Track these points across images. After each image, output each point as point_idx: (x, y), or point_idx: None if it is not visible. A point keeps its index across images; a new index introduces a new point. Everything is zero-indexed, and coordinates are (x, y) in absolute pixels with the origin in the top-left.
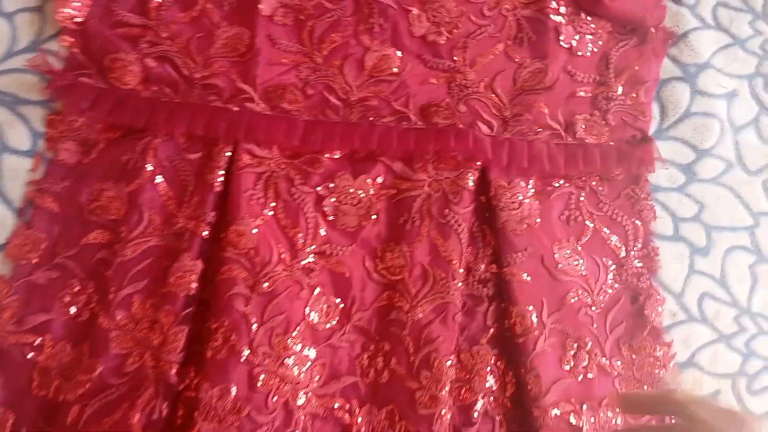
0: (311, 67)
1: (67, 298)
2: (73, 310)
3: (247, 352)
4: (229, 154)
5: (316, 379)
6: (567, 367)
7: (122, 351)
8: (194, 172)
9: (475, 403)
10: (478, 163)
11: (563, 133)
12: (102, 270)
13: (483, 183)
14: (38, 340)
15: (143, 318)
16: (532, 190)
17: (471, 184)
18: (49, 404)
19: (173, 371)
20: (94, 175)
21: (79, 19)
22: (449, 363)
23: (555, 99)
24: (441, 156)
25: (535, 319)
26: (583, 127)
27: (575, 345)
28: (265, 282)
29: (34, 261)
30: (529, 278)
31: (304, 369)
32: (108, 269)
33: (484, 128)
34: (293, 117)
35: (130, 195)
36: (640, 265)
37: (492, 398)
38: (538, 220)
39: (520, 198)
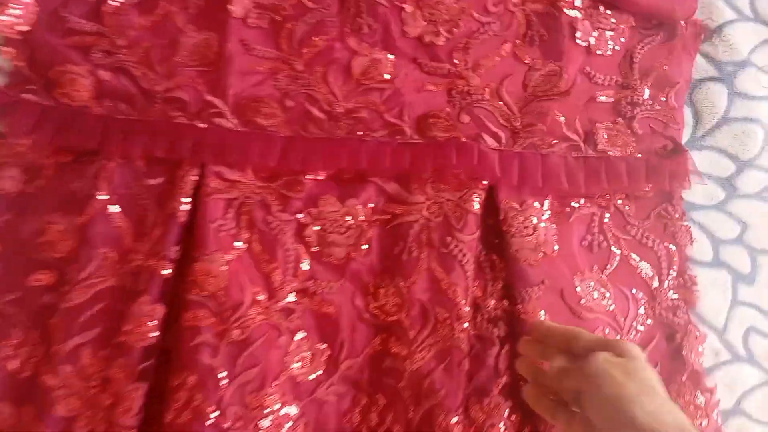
0: (290, 76)
1: (7, 351)
2: (13, 365)
3: (215, 414)
4: (195, 178)
5: None
6: None
7: (69, 414)
8: (155, 200)
9: None
10: (485, 182)
11: (582, 145)
12: (47, 317)
13: (491, 205)
14: None
15: (94, 374)
16: (548, 212)
17: (477, 206)
18: None
19: None
20: (39, 207)
21: (23, 28)
22: (455, 420)
23: (572, 105)
24: (441, 175)
25: None
26: (605, 137)
27: None
28: (236, 329)
29: None
30: (546, 316)
31: (283, 430)
32: (53, 316)
33: (490, 141)
34: (270, 133)
35: (81, 228)
36: (676, 296)
37: None
38: (556, 248)
39: (534, 221)
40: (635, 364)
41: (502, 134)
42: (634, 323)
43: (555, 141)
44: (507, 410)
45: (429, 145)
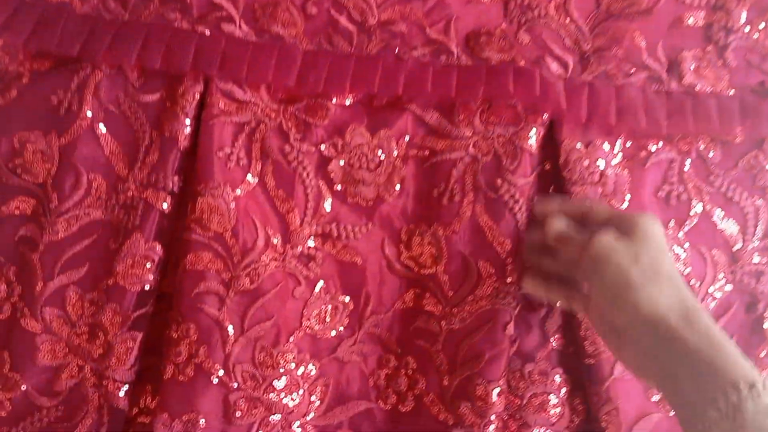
0: None
1: None
2: None
3: (221, 372)
4: (198, 95)
5: (316, 404)
6: (655, 398)
7: (53, 363)
8: (150, 120)
9: None
10: (545, 115)
11: (665, 76)
12: (26, 252)
13: (550, 144)
14: None
15: (81, 319)
16: (620, 156)
17: (534, 144)
18: None
19: (122, 393)
20: (14, 122)
21: None
22: (497, 391)
23: (654, 27)
24: (493, 105)
25: None
26: (693, 67)
27: None
28: (245, 276)
29: None
30: None
31: (299, 392)
32: (34, 251)
33: (555, 67)
34: (288, 46)
35: (63, 150)
36: (761, 260)
37: None
38: (628, 198)
39: (602, 167)
40: (644, 246)
41: (569, 59)
42: (710, 289)
43: (632, 70)
44: (555, 379)
45: (480, 68)
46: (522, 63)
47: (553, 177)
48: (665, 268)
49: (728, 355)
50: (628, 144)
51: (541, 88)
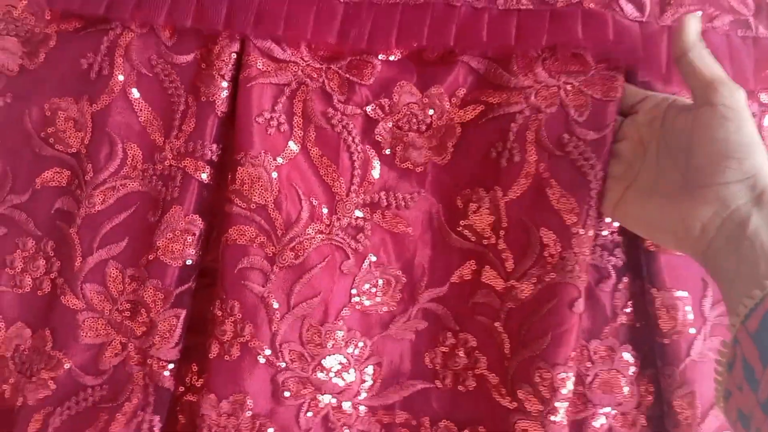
0: None
1: (19, 264)
2: (27, 280)
3: (267, 352)
4: (235, 55)
5: (368, 384)
6: None
7: (96, 340)
8: (185, 83)
9: (592, 419)
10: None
11: (752, 21)
12: (63, 225)
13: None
14: None
15: (122, 295)
16: None
17: (613, 92)
18: (5, 408)
19: (167, 372)
20: (44, 88)
21: None
22: (563, 375)
23: None
24: (558, 53)
25: (690, 311)
26: None
27: None
28: (290, 250)
29: None
30: None
31: (350, 371)
32: (71, 224)
33: (629, 9)
34: None
35: (96, 117)
36: None
37: (619, 414)
38: None
39: None
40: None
41: (645, 0)
42: None
43: (716, 13)
44: (623, 356)
45: (543, 12)
46: (591, 5)
47: None
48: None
49: None
50: None
51: (615, 33)
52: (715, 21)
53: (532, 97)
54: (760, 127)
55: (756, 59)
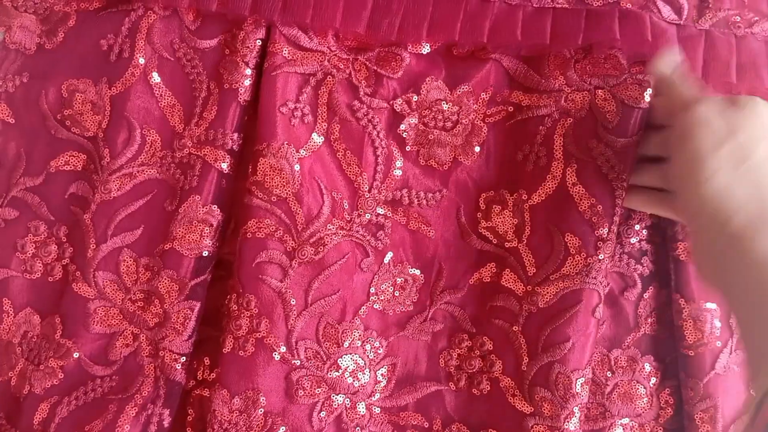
0: None
1: (30, 249)
2: (38, 265)
3: (283, 349)
4: (260, 42)
5: (382, 384)
6: None
7: (107, 330)
8: (208, 69)
9: (610, 429)
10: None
11: None
12: (77, 210)
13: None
14: None
15: (136, 285)
16: None
17: (646, 97)
18: (11, 395)
19: (178, 365)
20: (61, 69)
21: None
22: (581, 381)
23: None
24: (592, 54)
25: (717, 324)
26: None
27: None
28: (310, 245)
29: None
30: None
31: (365, 372)
32: (85, 210)
33: (666, 11)
34: None
35: (114, 101)
36: None
37: (638, 426)
38: None
39: None
40: (745, 124)
41: (683, 3)
42: None
43: (755, 18)
44: (644, 367)
45: (579, 11)
46: (629, 5)
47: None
48: (757, 156)
49: None
50: None
51: (653, 34)
52: (754, 26)
53: (562, 101)
54: None
55: None
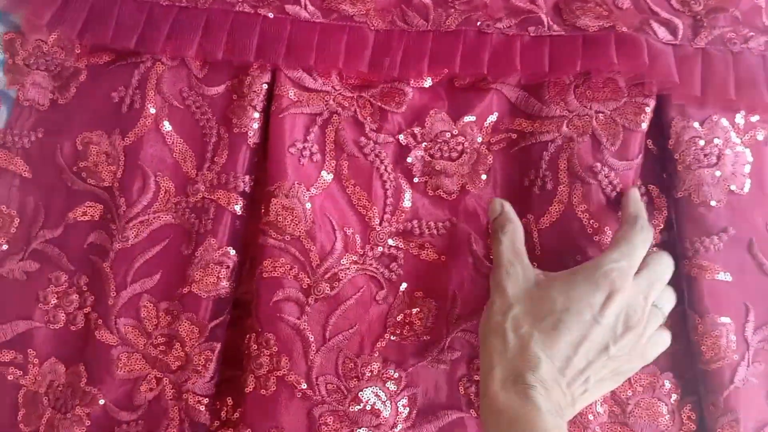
0: None
1: (53, 299)
2: (61, 315)
3: (304, 385)
4: (266, 86)
5: (404, 415)
6: None
7: (131, 375)
8: (217, 115)
9: None
10: (652, 88)
11: None
12: (96, 259)
13: (656, 121)
14: (18, 357)
15: (157, 329)
16: (741, 134)
17: (642, 121)
18: None
19: (202, 407)
20: (75, 123)
21: None
22: (600, 401)
23: None
24: (590, 79)
25: (734, 338)
26: None
27: None
28: (325, 282)
29: (2, 247)
30: (727, 277)
31: (386, 404)
32: (104, 258)
33: (662, 33)
34: (359, 27)
35: (128, 151)
36: None
37: None
38: (748, 183)
39: (719, 145)
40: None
41: (678, 23)
42: None
43: (751, 33)
44: (664, 384)
45: (576, 38)
46: (624, 29)
47: (659, 159)
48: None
49: None
50: (753, 118)
51: (650, 56)
52: (750, 42)
53: (565, 126)
54: None
55: None
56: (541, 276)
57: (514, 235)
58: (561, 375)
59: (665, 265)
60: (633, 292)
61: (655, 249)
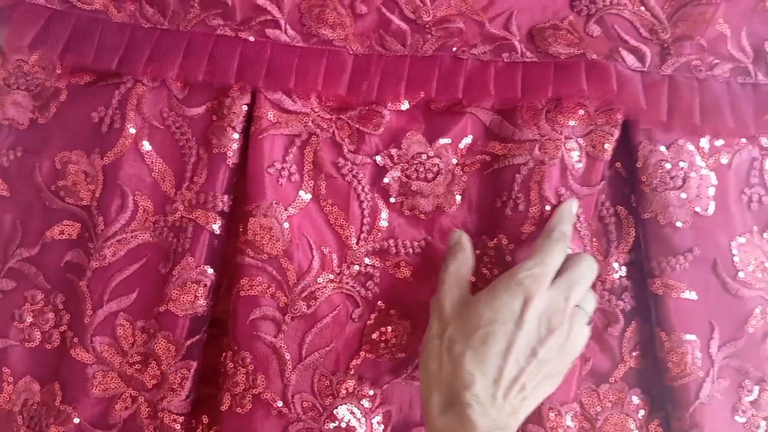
0: None
1: (28, 318)
2: (36, 334)
3: (279, 403)
4: (246, 107)
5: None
6: (742, 420)
7: (106, 393)
8: (197, 135)
9: None
10: (619, 115)
11: (751, 68)
12: (73, 278)
13: (624, 145)
14: None
15: (133, 348)
16: (706, 158)
17: (608, 148)
18: None
19: (177, 425)
20: (55, 142)
21: None
22: (570, 416)
23: (738, 13)
24: (562, 105)
25: (699, 355)
26: None
27: (756, 389)
28: (302, 300)
29: None
30: (693, 295)
31: (361, 421)
32: (81, 277)
33: (630, 60)
34: (338, 51)
35: (107, 170)
36: None
37: None
38: (712, 206)
39: (685, 169)
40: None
41: (646, 50)
42: None
43: (716, 61)
44: (632, 400)
45: (548, 65)
46: (594, 56)
47: (627, 181)
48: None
49: None
50: (717, 142)
51: (618, 83)
52: (715, 69)
53: (536, 150)
54: (761, 170)
55: (756, 105)
56: (471, 297)
57: (462, 262)
58: (496, 387)
59: (585, 266)
60: (551, 295)
61: (574, 251)
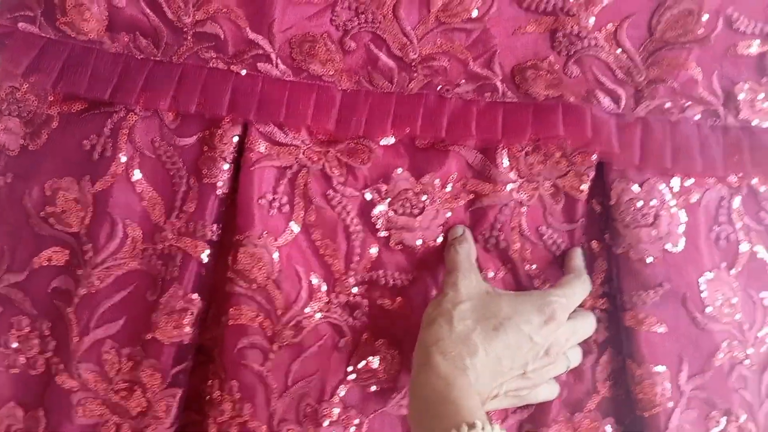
0: (352, 8)
1: (14, 343)
2: (21, 359)
3: None
4: (237, 139)
5: None
6: None
7: (90, 421)
8: (187, 165)
9: None
10: (594, 156)
11: (721, 111)
12: (60, 304)
13: (599, 184)
14: None
15: (118, 375)
16: (677, 196)
17: (584, 188)
18: None
19: None
20: (45, 168)
21: None
22: None
23: (710, 57)
24: (541, 145)
25: (668, 386)
26: (747, 100)
27: (723, 420)
28: (290, 329)
29: None
30: (663, 328)
31: None
32: (68, 304)
33: (606, 102)
34: (327, 87)
35: (97, 198)
36: None
37: None
38: (683, 242)
39: (656, 207)
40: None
41: (621, 93)
42: (760, 334)
43: (688, 103)
44: (606, 429)
45: (527, 106)
46: (572, 99)
47: (601, 218)
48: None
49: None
50: (685, 183)
51: (593, 128)
52: (687, 111)
53: (515, 192)
54: (729, 209)
55: (725, 147)
56: (491, 288)
57: (470, 250)
58: (492, 370)
59: (589, 324)
60: (562, 330)
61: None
